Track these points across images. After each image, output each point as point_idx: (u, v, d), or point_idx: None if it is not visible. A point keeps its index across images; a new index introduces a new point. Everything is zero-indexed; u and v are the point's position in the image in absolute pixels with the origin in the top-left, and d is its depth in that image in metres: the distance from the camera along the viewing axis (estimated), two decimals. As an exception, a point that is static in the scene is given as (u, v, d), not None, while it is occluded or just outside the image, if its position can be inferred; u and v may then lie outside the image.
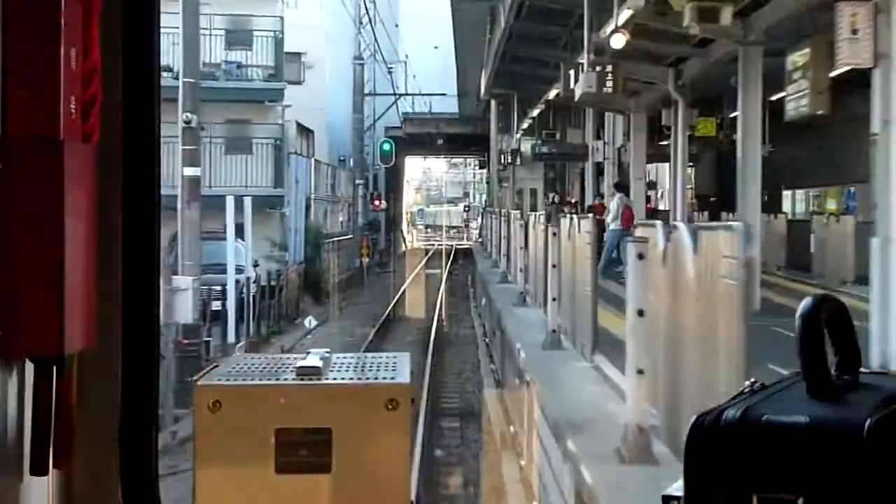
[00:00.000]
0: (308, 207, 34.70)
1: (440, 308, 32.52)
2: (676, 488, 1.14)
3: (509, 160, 43.09)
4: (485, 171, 74.66)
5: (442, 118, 58.92)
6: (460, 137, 62.68)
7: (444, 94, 49.96)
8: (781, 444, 1.07)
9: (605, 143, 31.88)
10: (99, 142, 1.49)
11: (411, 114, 57.97)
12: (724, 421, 1.11)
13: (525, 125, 43.35)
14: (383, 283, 42.16)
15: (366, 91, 46.27)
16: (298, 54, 38.46)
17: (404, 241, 74.92)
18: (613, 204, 24.27)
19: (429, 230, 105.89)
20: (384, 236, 59.08)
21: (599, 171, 35.47)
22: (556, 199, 28.86)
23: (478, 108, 52.24)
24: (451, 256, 59.80)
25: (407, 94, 52.88)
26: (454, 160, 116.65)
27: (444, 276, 45.40)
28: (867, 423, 1.05)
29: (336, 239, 39.60)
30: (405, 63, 53.83)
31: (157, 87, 1.62)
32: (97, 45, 1.47)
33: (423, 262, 56.31)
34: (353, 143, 45.61)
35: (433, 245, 79.58)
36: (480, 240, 49.14)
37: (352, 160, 45.68)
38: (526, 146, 43.38)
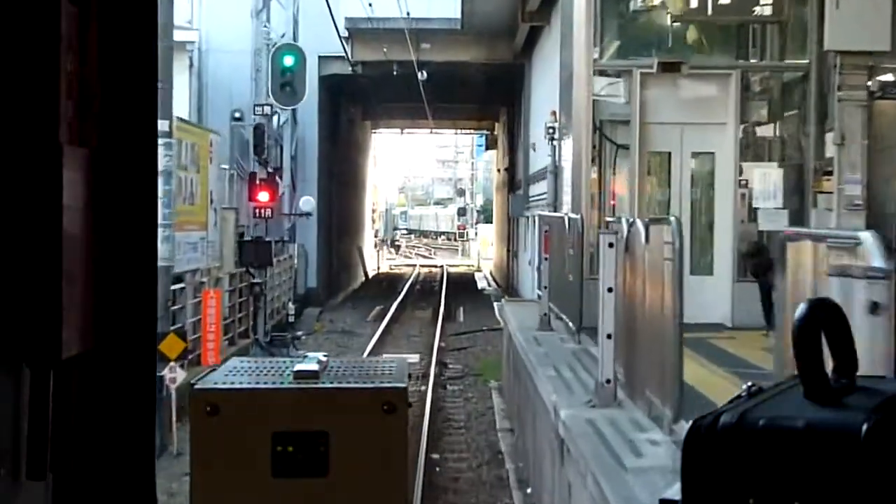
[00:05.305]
0: None
1: None
2: (674, 492, 1.13)
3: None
4: (494, 152, 48.05)
5: (426, 30, 29.24)
6: (461, 78, 33.35)
7: None
8: (778, 447, 1.07)
9: None
10: (97, 145, 1.49)
11: (363, 20, 28.27)
12: (722, 425, 1.10)
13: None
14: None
15: None
16: None
17: (364, 266, 44.96)
18: None
19: (411, 240, 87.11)
20: (319, 266, 30.23)
21: None
22: None
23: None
24: (444, 301, 31.92)
25: None
26: (444, 154, 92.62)
27: (429, 401, 16.41)
28: (864, 427, 1.05)
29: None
30: None
31: (154, 91, 1.60)
32: (95, 49, 1.48)
33: (388, 317, 27.83)
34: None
35: (414, 267, 52.71)
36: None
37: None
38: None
